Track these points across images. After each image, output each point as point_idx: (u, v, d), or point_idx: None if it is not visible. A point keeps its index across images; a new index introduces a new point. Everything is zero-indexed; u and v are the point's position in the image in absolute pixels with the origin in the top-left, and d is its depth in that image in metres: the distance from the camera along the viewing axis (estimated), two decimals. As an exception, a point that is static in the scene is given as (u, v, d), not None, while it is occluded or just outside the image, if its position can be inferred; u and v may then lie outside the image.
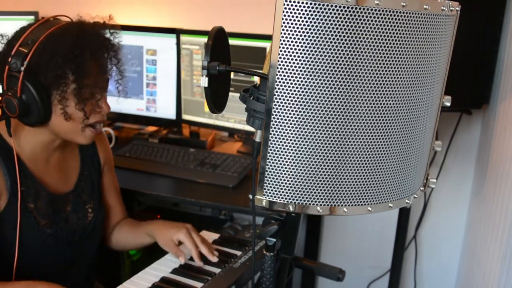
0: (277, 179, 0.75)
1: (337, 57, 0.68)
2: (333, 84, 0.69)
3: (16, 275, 1.22)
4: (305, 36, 0.68)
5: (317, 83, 0.69)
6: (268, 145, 0.74)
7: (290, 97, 0.70)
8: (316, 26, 0.67)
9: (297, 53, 0.68)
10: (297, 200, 0.76)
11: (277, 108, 0.71)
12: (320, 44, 0.68)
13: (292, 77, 0.70)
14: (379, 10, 0.67)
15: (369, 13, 0.67)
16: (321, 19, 0.67)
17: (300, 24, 0.67)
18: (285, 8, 0.67)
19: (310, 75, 0.69)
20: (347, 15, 0.66)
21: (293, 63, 0.69)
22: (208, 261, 1.31)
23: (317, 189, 0.75)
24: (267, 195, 0.76)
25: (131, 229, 1.48)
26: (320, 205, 0.76)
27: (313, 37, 0.68)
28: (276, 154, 0.74)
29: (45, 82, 1.13)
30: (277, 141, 0.73)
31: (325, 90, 0.69)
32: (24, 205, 1.21)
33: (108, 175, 1.48)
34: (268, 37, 1.86)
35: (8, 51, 1.14)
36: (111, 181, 1.49)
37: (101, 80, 1.21)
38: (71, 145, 1.37)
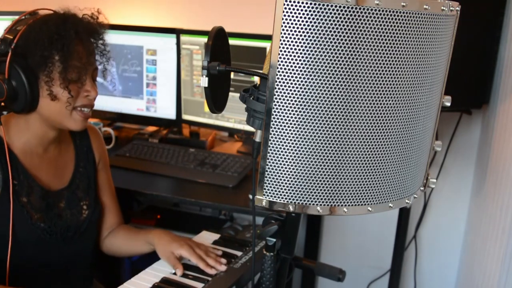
0: (277, 179, 0.75)
1: (337, 57, 0.68)
2: (333, 84, 0.69)
3: (13, 273, 1.22)
4: (305, 36, 0.68)
5: (317, 83, 0.69)
6: (268, 145, 0.74)
7: (290, 97, 0.70)
8: (316, 26, 0.67)
9: (297, 53, 0.68)
10: (297, 200, 0.76)
11: (277, 108, 0.71)
12: (320, 44, 0.68)
13: (292, 77, 0.70)
14: (379, 10, 0.67)
15: (369, 13, 0.67)
16: (321, 19, 0.67)
17: (300, 24, 0.67)
18: (285, 8, 0.67)
19: (310, 75, 0.69)
20: (347, 15, 0.66)
21: (293, 63, 0.69)
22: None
23: (317, 189, 0.75)
24: (267, 195, 0.76)
25: (130, 236, 1.46)
26: (320, 205, 0.76)
27: (313, 37, 0.68)
28: (276, 154, 0.74)
29: (32, 64, 1.16)
30: (277, 141, 0.73)
31: (325, 90, 0.70)
32: (17, 199, 1.22)
33: (103, 173, 1.47)
34: (268, 37, 1.86)
35: None
36: (106, 180, 1.49)
37: (87, 62, 1.22)
38: (66, 141, 1.37)
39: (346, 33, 0.67)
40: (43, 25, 1.16)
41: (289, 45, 0.68)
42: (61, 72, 1.17)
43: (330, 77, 0.69)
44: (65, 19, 1.19)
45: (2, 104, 1.17)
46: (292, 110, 0.71)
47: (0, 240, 1.21)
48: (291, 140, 0.72)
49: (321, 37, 0.67)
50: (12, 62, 1.14)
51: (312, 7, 0.66)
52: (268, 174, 0.75)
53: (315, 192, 0.75)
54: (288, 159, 0.73)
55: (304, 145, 0.72)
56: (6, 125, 1.24)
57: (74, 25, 1.19)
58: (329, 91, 0.70)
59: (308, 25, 0.67)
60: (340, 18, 0.67)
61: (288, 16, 0.67)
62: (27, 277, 1.26)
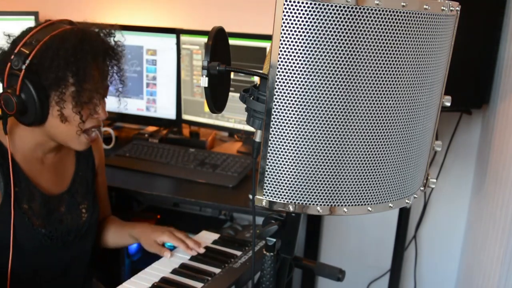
0: (277, 179, 0.75)
1: (337, 57, 0.68)
2: (333, 84, 0.69)
3: (13, 277, 1.22)
4: (305, 36, 0.68)
5: (317, 83, 0.69)
6: (268, 145, 0.74)
7: (290, 97, 0.70)
8: (316, 26, 0.67)
9: (297, 53, 0.68)
10: (297, 200, 0.76)
11: (277, 108, 0.71)
12: (320, 44, 0.68)
13: (292, 77, 0.70)
14: (379, 10, 0.67)
15: (369, 13, 0.67)
16: (321, 19, 0.67)
17: (300, 24, 0.67)
18: (285, 8, 0.67)
19: (310, 75, 0.69)
20: (347, 15, 0.66)
21: (293, 63, 0.69)
22: (205, 261, 1.32)
23: (317, 189, 0.75)
24: (267, 195, 0.76)
25: (115, 230, 1.51)
26: (320, 205, 0.76)
27: (313, 37, 0.68)
28: (276, 154, 0.74)
29: (45, 82, 1.14)
30: (277, 141, 0.73)
31: (325, 90, 0.70)
32: (18, 205, 1.22)
33: (100, 176, 1.49)
34: (268, 37, 1.86)
35: (12, 50, 1.15)
36: (102, 183, 1.51)
37: (100, 86, 1.21)
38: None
39: (346, 33, 0.67)
40: (60, 45, 1.13)
41: (289, 45, 0.68)
42: (74, 96, 1.16)
43: (330, 77, 0.69)
44: (82, 40, 1.15)
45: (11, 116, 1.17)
46: (292, 110, 0.71)
47: (1, 246, 1.21)
48: (291, 140, 0.72)
49: (321, 37, 0.67)
50: (25, 78, 1.12)
51: (312, 7, 0.66)
52: (268, 174, 0.75)
53: (315, 192, 0.75)
54: (288, 159, 0.73)
55: (304, 145, 0.72)
56: (11, 133, 1.23)
57: (92, 47, 1.16)
58: (329, 91, 0.70)
59: (308, 25, 0.67)
60: (340, 18, 0.67)
61: (288, 16, 0.67)
62: (27, 280, 1.26)
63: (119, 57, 1.25)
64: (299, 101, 0.70)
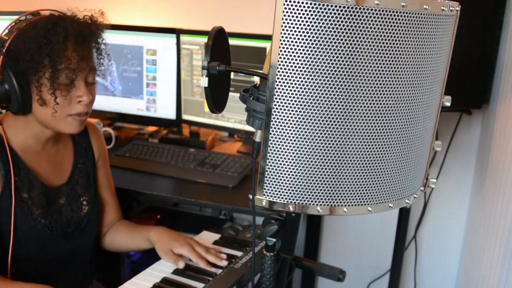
0: (277, 179, 0.75)
1: (337, 57, 0.68)
2: (333, 84, 0.69)
3: (13, 271, 1.23)
4: (305, 36, 0.68)
5: (317, 83, 0.69)
6: (268, 145, 0.74)
7: (290, 97, 0.71)
8: (316, 26, 0.67)
9: (297, 53, 0.68)
10: (297, 200, 0.76)
11: (277, 108, 0.71)
12: (320, 44, 0.68)
13: (292, 77, 0.70)
14: (379, 10, 0.67)
15: (369, 13, 0.67)
16: (321, 19, 0.67)
17: (300, 24, 0.67)
18: (285, 8, 0.67)
19: (310, 75, 0.69)
20: (347, 15, 0.67)
21: (293, 63, 0.69)
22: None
23: (317, 189, 0.75)
24: (267, 195, 0.76)
25: (129, 231, 1.47)
26: (320, 205, 0.76)
27: (313, 37, 0.68)
28: (276, 154, 0.74)
29: (22, 66, 1.15)
30: (277, 141, 0.73)
31: (325, 90, 0.70)
32: (18, 194, 1.22)
33: (102, 170, 1.48)
34: (268, 37, 1.86)
35: None
36: (105, 177, 1.49)
37: (78, 68, 1.19)
38: (65, 138, 1.38)
39: (346, 33, 0.67)
40: (33, 29, 1.15)
41: (289, 45, 0.68)
42: (49, 78, 1.16)
43: (330, 77, 0.69)
44: (55, 23, 1.17)
45: None
46: (292, 110, 0.71)
47: (1, 235, 1.21)
48: (291, 140, 0.72)
49: (321, 37, 0.67)
50: (5, 65, 1.14)
51: (312, 7, 0.67)
52: (268, 174, 0.75)
53: (315, 192, 0.75)
54: (288, 159, 0.73)
55: (304, 145, 0.72)
56: (5, 123, 1.25)
57: (64, 28, 1.16)
58: (329, 91, 0.70)
59: (308, 25, 0.67)
60: (340, 18, 0.67)
61: (288, 16, 0.67)
62: (28, 272, 1.27)
63: (97, 37, 1.24)
64: (299, 101, 0.70)
